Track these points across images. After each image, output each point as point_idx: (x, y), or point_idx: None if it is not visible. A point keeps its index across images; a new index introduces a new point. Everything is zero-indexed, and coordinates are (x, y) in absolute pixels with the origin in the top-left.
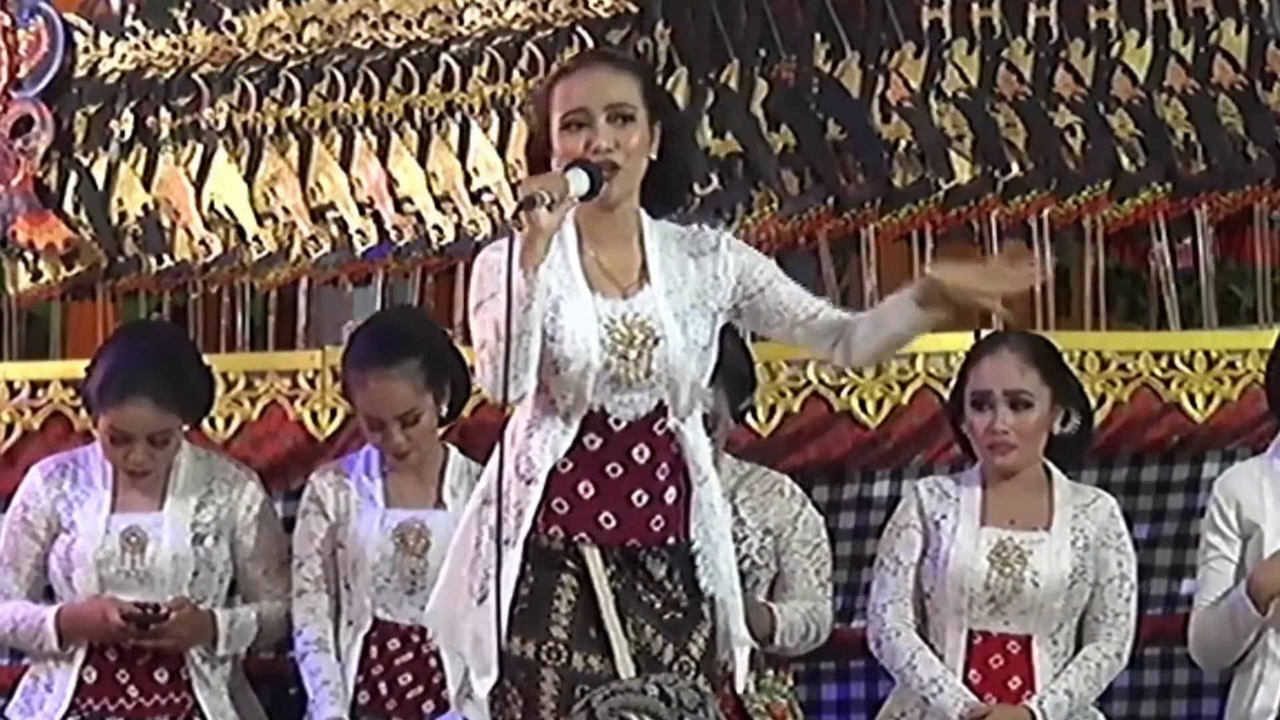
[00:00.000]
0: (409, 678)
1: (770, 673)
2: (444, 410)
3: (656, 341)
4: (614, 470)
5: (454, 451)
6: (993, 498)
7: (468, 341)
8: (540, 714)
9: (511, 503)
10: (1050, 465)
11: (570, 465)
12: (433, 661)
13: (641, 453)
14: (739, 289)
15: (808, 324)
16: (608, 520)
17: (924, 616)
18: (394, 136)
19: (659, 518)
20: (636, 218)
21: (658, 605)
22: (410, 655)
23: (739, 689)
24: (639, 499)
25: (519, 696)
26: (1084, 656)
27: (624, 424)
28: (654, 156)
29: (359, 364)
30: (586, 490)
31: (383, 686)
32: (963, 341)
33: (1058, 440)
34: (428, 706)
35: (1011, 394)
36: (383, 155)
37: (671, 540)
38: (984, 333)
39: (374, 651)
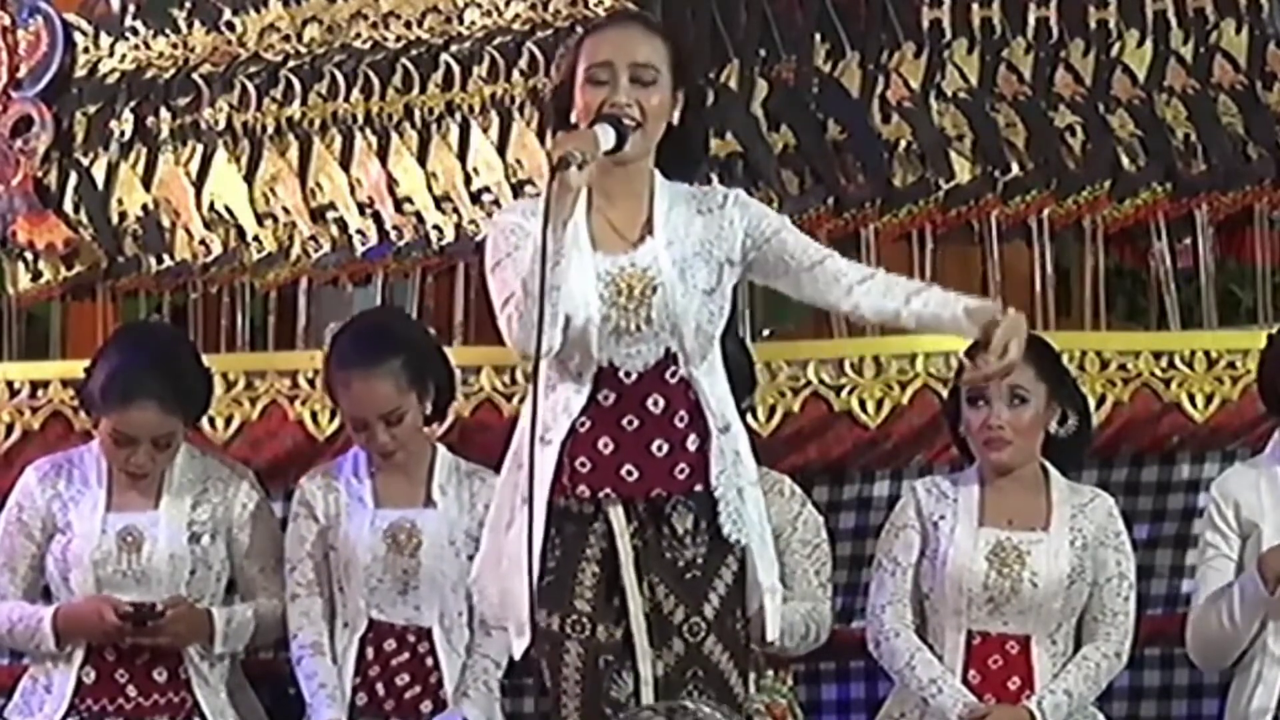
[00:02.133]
0: (406, 678)
1: (770, 673)
2: (428, 409)
3: (655, 289)
4: (630, 423)
5: (442, 450)
6: (991, 498)
7: (465, 341)
8: (563, 685)
9: (536, 465)
10: (1048, 465)
11: (588, 424)
12: (429, 661)
13: (656, 403)
14: (748, 240)
15: (813, 270)
16: (630, 473)
17: (923, 617)
18: (394, 136)
19: (683, 465)
20: (650, 177)
21: (680, 564)
22: (407, 655)
23: (771, 637)
24: (659, 449)
25: (545, 668)
26: (1083, 656)
27: (634, 376)
28: (674, 122)
29: (342, 364)
30: (606, 446)
31: (380, 687)
32: (963, 342)
33: (1057, 441)
34: (425, 706)
35: (1007, 389)
36: (383, 155)
37: (698, 488)
38: None
39: (370, 653)
